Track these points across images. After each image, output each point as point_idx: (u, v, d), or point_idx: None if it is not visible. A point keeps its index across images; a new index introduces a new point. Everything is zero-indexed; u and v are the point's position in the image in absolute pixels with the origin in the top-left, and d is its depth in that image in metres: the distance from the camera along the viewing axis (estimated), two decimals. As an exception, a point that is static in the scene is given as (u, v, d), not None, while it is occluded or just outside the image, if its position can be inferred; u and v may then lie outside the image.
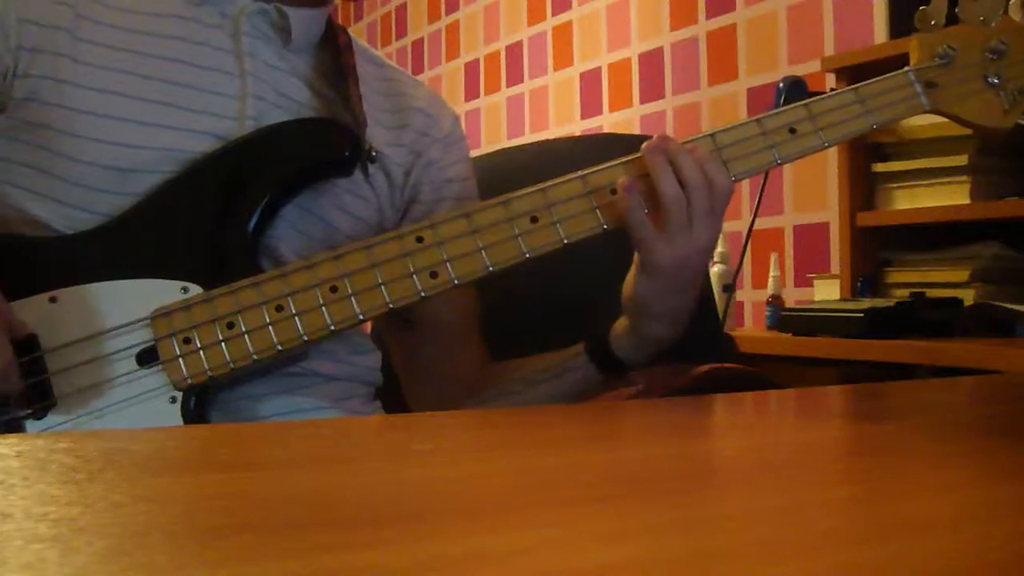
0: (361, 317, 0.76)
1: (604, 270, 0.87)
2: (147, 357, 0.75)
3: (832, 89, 1.77)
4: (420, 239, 0.77)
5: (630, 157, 0.78)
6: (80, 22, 0.80)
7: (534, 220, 0.77)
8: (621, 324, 0.83)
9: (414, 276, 0.76)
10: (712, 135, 0.79)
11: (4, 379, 0.71)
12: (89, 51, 0.80)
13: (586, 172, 0.78)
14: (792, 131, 0.80)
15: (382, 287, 0.76)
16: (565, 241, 0.77)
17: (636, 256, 0.79)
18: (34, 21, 0.79)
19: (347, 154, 0.82)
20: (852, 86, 0.82)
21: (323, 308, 0.75)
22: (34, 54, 0.79)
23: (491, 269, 0.77)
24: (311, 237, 0.84)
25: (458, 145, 0.98)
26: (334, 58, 0.90)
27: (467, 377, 0.95)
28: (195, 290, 0.76)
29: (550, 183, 0.78)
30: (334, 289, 0.76)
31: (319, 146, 0.83)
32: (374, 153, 0.85)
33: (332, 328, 0.75)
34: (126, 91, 0.79)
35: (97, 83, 0.79)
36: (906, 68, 0.83)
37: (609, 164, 0.78)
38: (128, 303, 0.76)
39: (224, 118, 0.81)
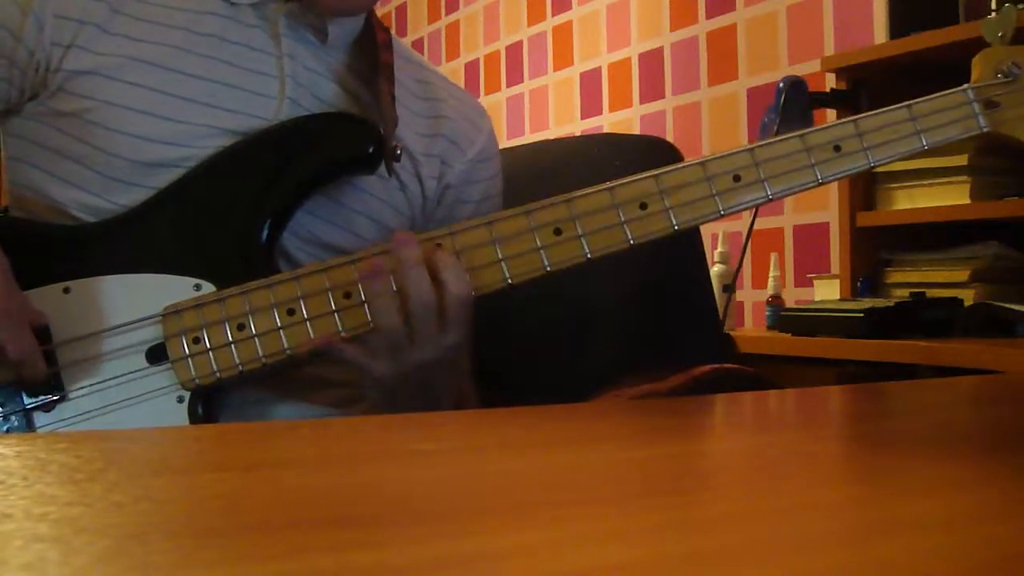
0: (372, 324, 0.74)
1: (603, 281, 0.86)
2: (157, 354, 0.75)
3: (832, 89, 1.78)
4: (438, 246, 0.74)
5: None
6: (115, 17, 0.80)
7: (558, 232, 0.73)
8: None
9: None
10: (751, 149, 0.75)
11: (31, 366, 0.72)
12: (123, 45, 0.79)
13: (614, 184, 0.74)
14: (837, 148, 0.75)
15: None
16: (589, 256, 0.74)
17: None
18: (69, 17, 0.79)
19: (370, 150, 0.79)
20: (905, 102, 0.76)
21: (335, 314, 0.74)
22: (67, 49, 0.78)
23: (510, 282, 0.74)
24: (337, 248, 0.82)
25: (490, 163, 0.95)
26: (371, 55, 0.88)
27: None
28: (208, 288, 0.75)
29: (576, 194, 0.74)
30: (347, 295, 0.74)
31: (341, 142, 0.81)
32: (399, 152, 0.82)
33: (343, 335, 0.74)
34: (159, 86, 0.79)
35: (130, 77, 0.78)
36: (966, 85, 0.78)
37: (640, 176, 0.75)
38: (140, 298, 0.75)
39: (260, 118, 0.80)
